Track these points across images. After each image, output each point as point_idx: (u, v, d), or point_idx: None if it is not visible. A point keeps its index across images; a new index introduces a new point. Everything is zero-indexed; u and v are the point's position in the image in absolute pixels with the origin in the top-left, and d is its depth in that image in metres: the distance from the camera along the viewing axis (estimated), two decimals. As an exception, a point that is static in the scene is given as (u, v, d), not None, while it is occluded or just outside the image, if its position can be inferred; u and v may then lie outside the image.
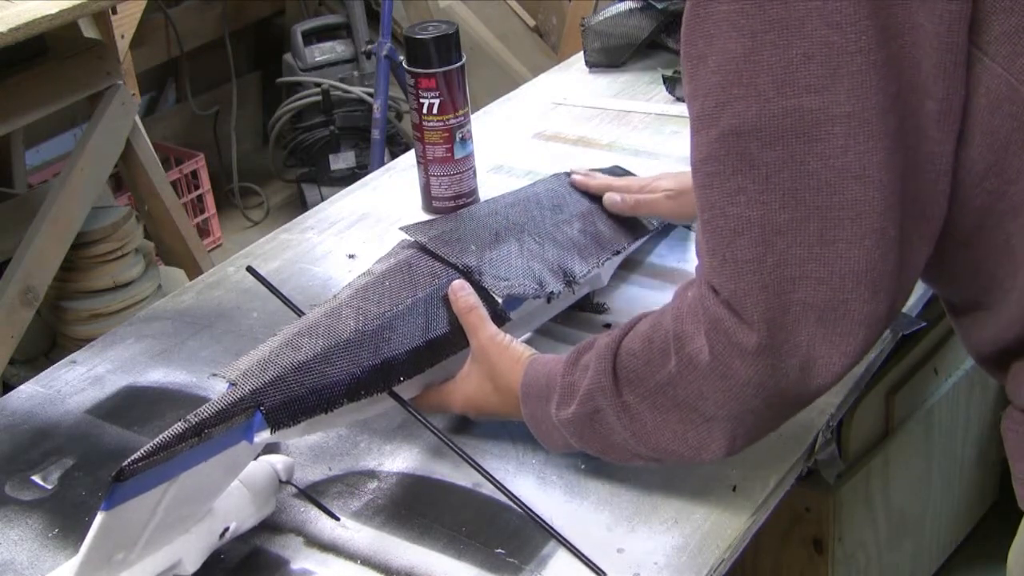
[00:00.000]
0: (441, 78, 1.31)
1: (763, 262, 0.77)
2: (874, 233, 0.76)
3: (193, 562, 0.86)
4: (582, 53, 1.76)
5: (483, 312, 0.99)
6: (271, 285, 1.04)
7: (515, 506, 0.91)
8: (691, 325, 0.81)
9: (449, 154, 1.34)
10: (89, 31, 2.13)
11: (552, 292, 1.06)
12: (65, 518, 0.96)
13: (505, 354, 0.97)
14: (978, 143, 0.79)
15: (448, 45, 1.31)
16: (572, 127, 1.59)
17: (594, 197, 1.21)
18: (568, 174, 1.25)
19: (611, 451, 0.91)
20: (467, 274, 1.03)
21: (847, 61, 0.74)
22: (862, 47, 0.74)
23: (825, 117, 0.75)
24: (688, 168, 0.84)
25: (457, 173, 1.36)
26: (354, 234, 1.36)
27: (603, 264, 1.14)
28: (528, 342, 1.04)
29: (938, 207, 0.79)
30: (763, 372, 0.79)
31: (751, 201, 0.77)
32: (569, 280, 1.08)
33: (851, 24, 0.73)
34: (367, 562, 0.91)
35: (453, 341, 1.00)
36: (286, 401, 0.89)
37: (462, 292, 1.01)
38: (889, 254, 0.77)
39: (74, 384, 1.13)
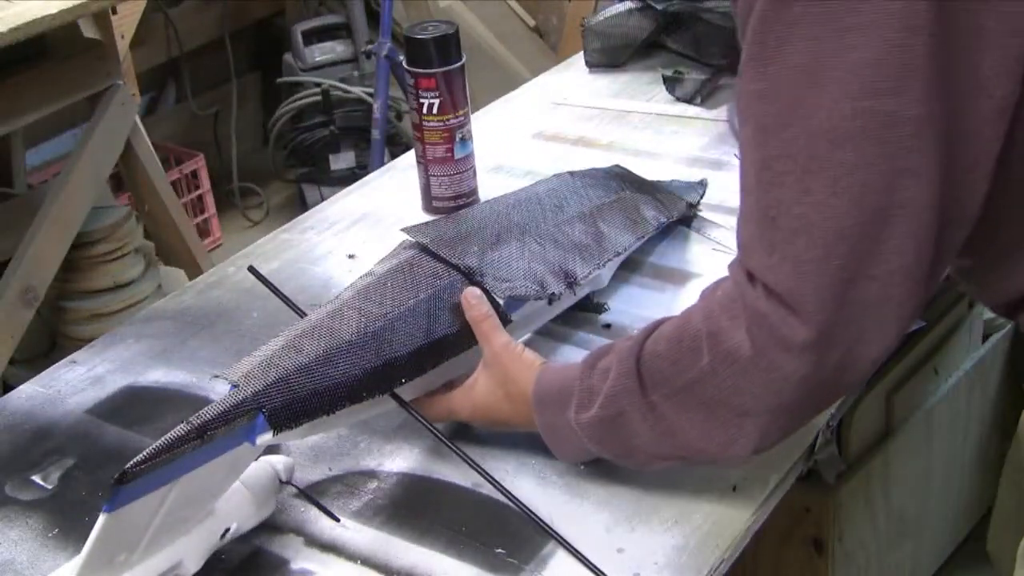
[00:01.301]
0: (441, 78, 1.31)
1: (826, 262, 0.78)
2: (922, 229, 0.78)
3: (194, 563, 0.85)
4: (582, 53, 1.76)
5: (496, 321, 0.99)
6: (272, 285, 1.04)
7: (514, 506, 0.91)
8: (727, 321, 0.82)
9: (449, 154, 1.35)
10: (89, 31, 2.12)
11: (553, 294, 1.06)
12: (65, 518, 0.96)
13: (518, 362, 0.97)
14: None
15: (448, 45, 1.32)
16: (572, 127, 1.58)
17: (595, 196, 1.21)
18: (571, 174, 1.25)
19: (632, 454, 0.91)
20: (469, 275, 1.02)
21: (920, 65, 0.75)
22: (932, 51, 0.76)
23: (896, 120, 0.76)
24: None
25: (457, 173, 1.36)
26: (354, 234, 1.36)
27: (604, 265, 1.14)
28: (527, 342, 1.03)
29: (975, 207, 0.81)
30: (808, 365, 0.80)
31: (818, 203, 0.78)
32: (571, 281, 1.08)
33: (925, 27, 0.75)
34: (367, 562, 0.90)
35: (455, 343, 0.99)
36: (288, 403, 0.89)
37: (475, 300, 1.00)
38: (930, 250, 0.79)
39: (74, 384, 1.13)
